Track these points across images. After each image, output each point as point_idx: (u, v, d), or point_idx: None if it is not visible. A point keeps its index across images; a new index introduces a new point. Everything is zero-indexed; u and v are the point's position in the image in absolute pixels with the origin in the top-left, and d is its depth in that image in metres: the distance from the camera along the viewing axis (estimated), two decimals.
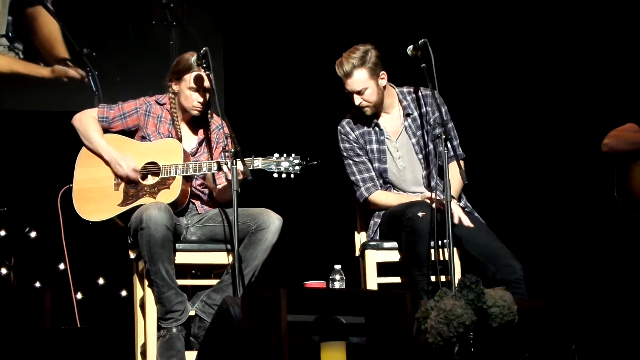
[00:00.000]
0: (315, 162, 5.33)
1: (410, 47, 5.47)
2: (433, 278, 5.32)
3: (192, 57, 5.42)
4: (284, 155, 5.32)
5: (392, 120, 5.69)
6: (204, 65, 5.34)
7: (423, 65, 5.40)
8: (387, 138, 5.65)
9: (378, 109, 5.62)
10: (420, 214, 5.27)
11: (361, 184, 5.63)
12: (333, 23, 7.68)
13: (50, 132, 7.36)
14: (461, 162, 5.64)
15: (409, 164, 5.65)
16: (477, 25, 7.72)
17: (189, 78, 5.45)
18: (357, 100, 5.56)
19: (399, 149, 5.66)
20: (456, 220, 5.28)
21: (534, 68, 7.66)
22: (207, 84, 5.45)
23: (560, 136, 7.55)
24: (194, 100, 5.48)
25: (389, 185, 5.66)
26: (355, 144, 5.65)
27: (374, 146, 5.64)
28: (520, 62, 7.67)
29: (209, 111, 5.59)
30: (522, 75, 7.66)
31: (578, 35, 7.53)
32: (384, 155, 5.63)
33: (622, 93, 6.95)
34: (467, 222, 5.36)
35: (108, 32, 7.76)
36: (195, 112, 5.52)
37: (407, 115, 5.67)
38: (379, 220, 5.64)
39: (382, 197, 5.62)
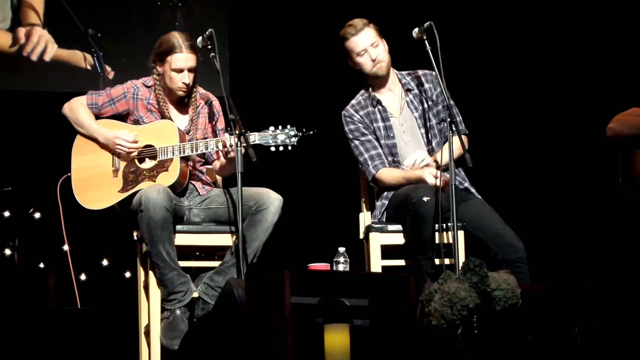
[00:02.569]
0: (312, 132, 5.32)
1: (416, 29, 5.47)
2: (437, 261, 5.33)
3: (178, 38, 5.41)
4: (280, 127, 5.31)
5: (393, 98, 5.73)
6: (209, 46, 5.33)
7: (429, 47, 5.41)
8: (390, 115, 5.68)
9: (387, 75, 5.66)
10: (425, 199, 5.27)
11: (369, 162, 5.64)
12: (338, 2, 7.66)
13: (55, 112, 7.33)
14: (464, 137, 5.64)
15: (412, 138, 5.69)
16: (481, 8, 7.70)
17: (172, 60, 5.43)
18: (374, 53, 5.60)
19: (402, 124, 5.70)
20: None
21: (538, 51, 7.64)
22: (191, 64, 5.44)
23: (565, 120, 7.54)
24: (178, 82, 5.46)
25: (397, 164, 5.66)
26: (360, 124, 5.67)
27: (380, 124, 5.67)
28: (524, 45, 7.65)
29: (195, 88, 5.57)
30: (527, 57, 7.65)
31: (583, 20, 7.51)
32: (391, 131, 5.66)
33: (627, 77, 6.94)
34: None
35: (113, 12, 7.74)
36: (180, 93, 5.51)
37: (407, 90, 5.72)
38: (386, 202, 5.64)
39: (390, 174, 5.62)
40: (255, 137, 5.27)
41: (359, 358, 4.36)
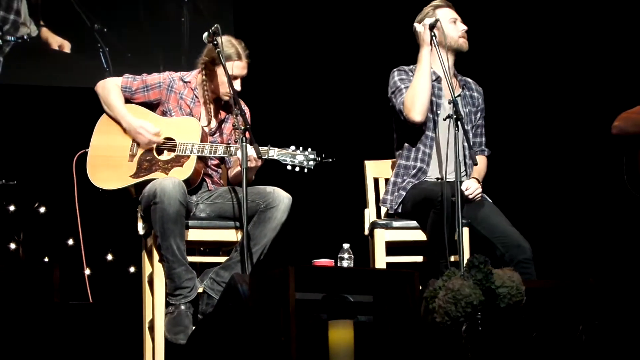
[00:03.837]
0: (330, 160, 5.34)
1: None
2: None
3: (237, 46, 5.46)
4: (300, 148, 5.33)
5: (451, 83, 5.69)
6: (215, 42, 5.33)
7: (436, 43, 5.43)
8: (443, 95, 5.66)
9: (453, 64, 5.67)
10: (453, 198, 5.25)
11: (404, 91, 5.60)
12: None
13: (60, 107, 7.37)
14: (484, 157, 5.77)
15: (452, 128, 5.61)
16: (483, 8, 7.70)
17: (231, 66, 5.42)
18: (464, 27, 5.67)
19: (451, 109, 5.62)
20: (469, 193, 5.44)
21: (542, 48, 7.65)
22: (245, 72, 5.48)
23: (570, 118, 7.53)
24: (229, 87, 5.45)
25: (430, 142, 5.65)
26: (411, 76, 5.65)
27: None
28: (527, 43, 7.66)
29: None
30: (531, 54, 7.66)
31: (587, 17, 7.51)
32: (439, 108, 5.63)
33: (632, 75, 6.93)
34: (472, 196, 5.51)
35: (119, 8, 7.76)
36: (226, 98, 5.54)
37: (463, 86, 5.76)
38: (403, 193, 5.60)
39: (410, 89, 5.57)
40: (274, 153, 5.30)
41: (363, 354, 4.36)
